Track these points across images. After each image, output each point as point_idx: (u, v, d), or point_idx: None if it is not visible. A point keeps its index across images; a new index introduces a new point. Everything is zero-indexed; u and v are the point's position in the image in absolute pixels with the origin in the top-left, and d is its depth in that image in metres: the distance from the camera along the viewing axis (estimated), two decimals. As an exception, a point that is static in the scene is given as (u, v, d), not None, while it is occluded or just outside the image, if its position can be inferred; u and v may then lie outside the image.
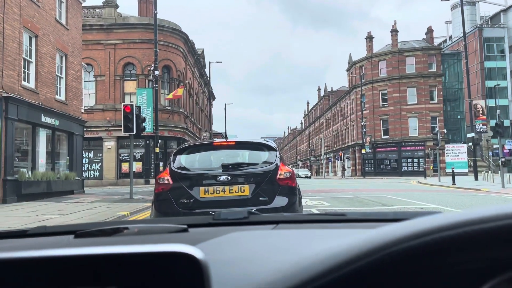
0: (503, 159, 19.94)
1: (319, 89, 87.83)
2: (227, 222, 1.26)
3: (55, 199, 15.16)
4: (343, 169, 58.25)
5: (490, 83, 57.24)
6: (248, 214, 1.29)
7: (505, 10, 61.50)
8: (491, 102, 52.03)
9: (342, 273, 0.52)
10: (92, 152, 30.06)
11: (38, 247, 1.00)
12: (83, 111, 21.36)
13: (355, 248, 0.54)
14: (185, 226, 1.09)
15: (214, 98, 60.37)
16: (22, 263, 0.61)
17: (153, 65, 20.02)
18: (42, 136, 16.73)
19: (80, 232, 1.08)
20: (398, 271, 0.52)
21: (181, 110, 32.78)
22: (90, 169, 29.93)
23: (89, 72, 29.77)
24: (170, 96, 29.03)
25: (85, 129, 21.19)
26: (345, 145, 60.96)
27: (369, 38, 53.80)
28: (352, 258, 0.52)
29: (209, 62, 43.25)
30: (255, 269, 0.72)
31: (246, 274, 0.70)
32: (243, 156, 5.97)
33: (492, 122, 27.19)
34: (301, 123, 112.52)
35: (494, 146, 43.91)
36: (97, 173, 30.09)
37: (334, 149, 68.08)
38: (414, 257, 0.52)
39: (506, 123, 51.61)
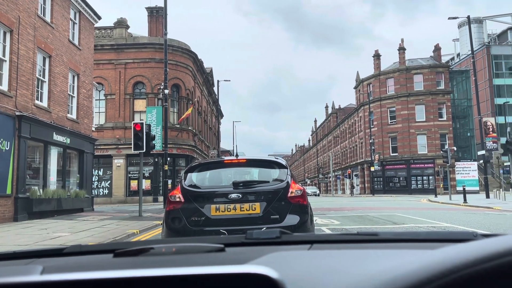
0: (514, 177, 19.68)
1: (326, 107, 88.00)
2: (260, 242, 1.25)
3: (65, 216, 15.22)
4: (352, 186, 57.80)
5: (499, 100, 56.96)
6: (280, 233, 1.28)
7: (512, 28, 61.62)
8: (500, 120, 51.70)
9: None
10: (101, 169, 30.26)
11: (79, 267, 1.00)
12: (93, 129, 21.61)
13: (428, 268, 0.52)
14: (222, 246, 1.09)
15: (222, 116, 60.73)
16: (65, 285, 0.61)
17: (162, 84, 20.29)
18: (54, 154, 16.92)
19: (120, 251, 1.07)
20: None
21: (189, 128, 33.00)
22: (99, 186, 30.08)
23: (99, 91, 30.20)
24: (184, 116, 29.61)
25: (95, 147, 21.39)
26: (354, 163, 60.63)
27: (377, 56, 54.07)
28: (429, 277, 0.51)
29: (218, 81, 43.69)
30: None
31: None
32: (254, 173, 5.98)
33: (503, 140, 26.97)
34: (309, 140, 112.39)
35: (505, 164, 43.38)
36: (106, 191, 30.21)
37: (342, 166, 67.74)
38: (485, 280, 0.50)
39: (517, 140, 51.12)
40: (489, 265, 0.50)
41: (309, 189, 61.71)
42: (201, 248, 1.09)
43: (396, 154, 50.07)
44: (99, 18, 20.89)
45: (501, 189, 28.93)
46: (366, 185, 54.78)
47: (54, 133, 16.10)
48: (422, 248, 0.72)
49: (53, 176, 16.79)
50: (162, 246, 1.07)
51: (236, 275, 0.57)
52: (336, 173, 71.51)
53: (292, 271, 0.83)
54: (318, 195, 58.67)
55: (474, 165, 46.30)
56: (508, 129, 25.26)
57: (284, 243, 1.24)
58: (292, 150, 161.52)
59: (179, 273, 0.58)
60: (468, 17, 29.71)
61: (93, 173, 26.09)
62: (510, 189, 24.83)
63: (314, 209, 6.37)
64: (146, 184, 29.27)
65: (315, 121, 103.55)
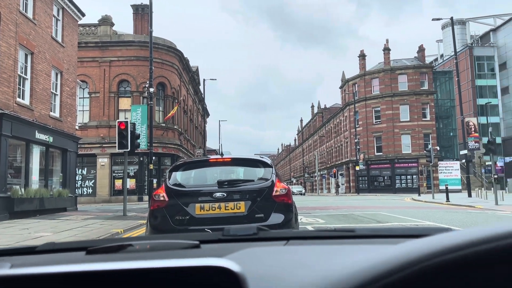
0: (495, 176, 20.07)
1: (312, 106, 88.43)
2: (237, 238, 1.26)
3: (48, 216, 14.98)
4: (337, 186, 58.23)
5: (481, 101, 57.99)
6: (257, 230, 1.28)
7: (494, 30, 62.77)
8: (482, 120, 52.65)
9: (381, 285, 0.52)
10: (85, 169, 29.88)
11: (49, 263, 0.99)
12: (77, 127, 21.32)
13: (392, 260, 0.53)
14: (197, 242, 1.09)
15: (208, 115, 60.52)
16: (36, 279, 0.60)
17: (148, 82, 20.12)
18: (36, 153, 16.64)
19: (92, 248, 1.05)
20: (426, 286, 0.52)
21: (175, 127, 32.81)
22: (83, 186, 29.70)
23: (83, 89, 29.81)
24: (170, 114, 29.43)
25: (78, 146, 21.11)
26: (339, 162, 61.09)
27: (362, 56, 54.55)
28: (390, 270, 0.52)
29: (204, 80, 43.52)
30: (288, 284, 0.71)
31: None
32: (239, 172, 5.98)
33: (484, 139, 27.48)
34: (295, 139, 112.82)
35: (487, 163, 44.25)
36: (90, 190, 29.85)
37: (328, 166, 68.18)
38: (443, 272, 0.52)
39: (498, 140, 52.18)
40: (449, 257, 0.51)
41: (295, 188, 61.97)
42: (176, 244, 1.09)
43: (381, 153, 50.61)
44: (83, 15, 20.60)
45: (482, 188, 29.48)
46: (351, 184, 55.25)
47: (36, 131, 15.83)
48: (392, 243, 0.74)
49: (35, 175, 16.51)
50: (137, 243, 1.06)
51: (197, 268, 0.57)
52: (321, 172, 71.94)
53: (261, 266, 0.85)
54: (304, 194, 58.94)
55: (456, 165, 47.09)
56: (490, 129, 25.74)
57: (261, 239, 1.25)
58: (278, 149, 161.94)
59: (139, 267, 0.58)
60: (451, 18, 30.17)
61: (77, 172, 25.72)
62: (492, 188, 25.27)
63: (299, 208, 6.40)
64: (131, 183, 29.00)
65: (301, 120, 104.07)
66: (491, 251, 0.51)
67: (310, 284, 0.58)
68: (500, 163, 46.77)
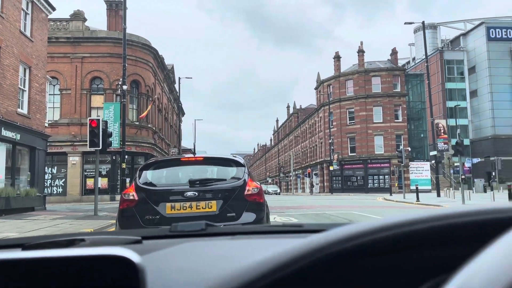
0: (463, 176, 20.72)
1: (288, 107, 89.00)
2: (184, 234, 1.25)
3: (14, 216, 14.50)
4: (312, 185, 58.81)
5: (451, 104, 59.71)
6: (206, 226, 1.29)
7: (464, 34, 64.77)
8: (452, 122, 54.22)
9: (268, 282, 0.53)
10: (55, 167, 29.10)
11: None
12: (47, 125, 20.73)
13: (277, 258, 0.55)
14: (139, 238, 1.08)
15: (183, 113, 60.00)
16: None
17: (121, 79, 19.76)
18: (2, 151, 16.09)
19: (29, 244, 1.01)
20: (318, 279, 0.54)
21: (149, 126, 32.37)
22: (53, 185, 28.92)
23: (54, 86, 29.02)
24: (145, 113, 29.04)
25: (48, 144, 20.54)
26: (314, 162, 61.69)
27: (337, 57, 55.24)
28: (273, 268, 0.53)
29: (179, 78, 43.10)
30: (194, 277, 0.74)
31: (187, 282, 0.72)
32: (211, 172, 5.93)
33: (453, 141, 28.32)
34: (271, 139, 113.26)
35: (455, 164, 45.57)
36: (60, 189, 29.09)
37: (303, 165, 68.75)
38: (334, 264, 0.54)
39: (466, 142, 53.81)
40: (335, 250, 0.54)
41: (270, 188, 62.27)
42: (117, 240, 1.08)
43: (354, 154, 51.40)
44: (54, 9, 20.05)
45: (451, 188, 30.38)
46: (325, 184, 55.88)
47: (2, 128, 15.30)
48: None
49: (1, 174, 15.97)
50: (82, 238, 1.03)
51: (97, 257, 0.59)
52: (296, 172, 72.49)
53: (177, 259, 0.88)
54: (279, 194, 59.25)
55: (427, 165, 48.32)
56: (458, 131, 26.56)
57: (208, 235, 1.25)
58: (254, 149, 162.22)
59: (41, 256, 0.60)
60: (423, 22, 30.94)
61: (46, 171, 25.05)
62: (459, 188, 26.15)
63: (274, 207, 6.43)
64: (103, 182, 28.43)
65: (277, 120, 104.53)
66: (378, 241, 0.54)
67: (216, 277, 0.59)
68: (468, 164, 48.23)
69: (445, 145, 44.10)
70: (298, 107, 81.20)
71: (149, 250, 0.95)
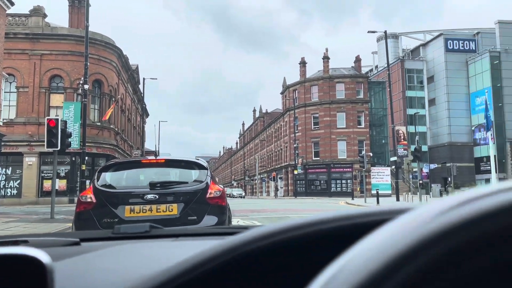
0: (421, 182, 21.49)
1: (254, 110, 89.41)
2: (126, 236, 1.24)
3: (-37, 219, 13.72)
4: (276, 189, 59.22)
5: (410, 111, 61.85)
6: (150, 228, 1.27)
7: (424, 45, 67.35)
8: (411, 129, 56.17)
9: (187, 279, 0.54)
10: (10, 168, 27.82)
11: None
12: (1, 123, 19.80)
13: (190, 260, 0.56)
14: (77, 240, 1.06)
15: (147, 115, 58.98)
16: None
17: (82, 78, 19.18)
18: (-49, 150, 15.21)
19: None
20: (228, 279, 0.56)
21: (111, 126, 31.58)
22: (7, 186, 27.65)
23: (10, 83, 27.83)
24: (108, 113, 28.28)
25: (3, 144, 19.61)
26: (279, 166, 62.17)
27: (303, 63, 56.07)
28: (182, 272, 0.55)
29: (144, 78, 42.35)
30: (116, 278, 0.75)
31: (108, 282, 0.74)
32: (173, 174, 5.86)
33: (412, 147, 29.33)
34: (237, 143, 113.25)
35: (414, 169, 47.15)
36: (15, 191, 27.83)
37: (268, 169, 69.13)
38: (247, 263, 0.55)
39: (424, 148, 55.98)
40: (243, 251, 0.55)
41: (235, 191, 62.20)
42: (55, 242, 1.06)
43: (318, 158, 52.23)
44: (12, 4, 19.26)
45: (410, 193, 31.40)
46: (289, 187, 56.42)
47: (-48, 126, 14.49)
48: None
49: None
50: (20, 240, 1.00)
51: (7, 256, 0.60)
52: (261, 176, 72.78)
53: (96, 263, 0.89)
54: (244, 197, 59.27)
55: (387, 170, 49.77)
56: (417, 138, 27.52)
57: (151, 237, 1.24)
58: (220, 152, 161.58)
59: None
60: (385, 32, 31.94)
61: (0, 171, 23.93)
62: (418, 193, 27.18)
63: (238, 211, 6.42)
64: (61, 184, 27.47)
65: (243, 124, 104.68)
66: (288, 240, 0.56)
67: (138, 278, 0.60)
68: (426, 170, 50.03)
69: (405, 151, 45.66)
70: (264, 111, 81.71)
71: (81, 252, 0.94)
